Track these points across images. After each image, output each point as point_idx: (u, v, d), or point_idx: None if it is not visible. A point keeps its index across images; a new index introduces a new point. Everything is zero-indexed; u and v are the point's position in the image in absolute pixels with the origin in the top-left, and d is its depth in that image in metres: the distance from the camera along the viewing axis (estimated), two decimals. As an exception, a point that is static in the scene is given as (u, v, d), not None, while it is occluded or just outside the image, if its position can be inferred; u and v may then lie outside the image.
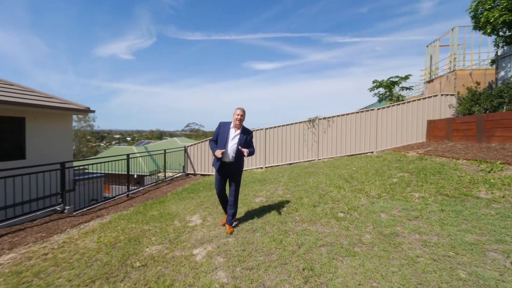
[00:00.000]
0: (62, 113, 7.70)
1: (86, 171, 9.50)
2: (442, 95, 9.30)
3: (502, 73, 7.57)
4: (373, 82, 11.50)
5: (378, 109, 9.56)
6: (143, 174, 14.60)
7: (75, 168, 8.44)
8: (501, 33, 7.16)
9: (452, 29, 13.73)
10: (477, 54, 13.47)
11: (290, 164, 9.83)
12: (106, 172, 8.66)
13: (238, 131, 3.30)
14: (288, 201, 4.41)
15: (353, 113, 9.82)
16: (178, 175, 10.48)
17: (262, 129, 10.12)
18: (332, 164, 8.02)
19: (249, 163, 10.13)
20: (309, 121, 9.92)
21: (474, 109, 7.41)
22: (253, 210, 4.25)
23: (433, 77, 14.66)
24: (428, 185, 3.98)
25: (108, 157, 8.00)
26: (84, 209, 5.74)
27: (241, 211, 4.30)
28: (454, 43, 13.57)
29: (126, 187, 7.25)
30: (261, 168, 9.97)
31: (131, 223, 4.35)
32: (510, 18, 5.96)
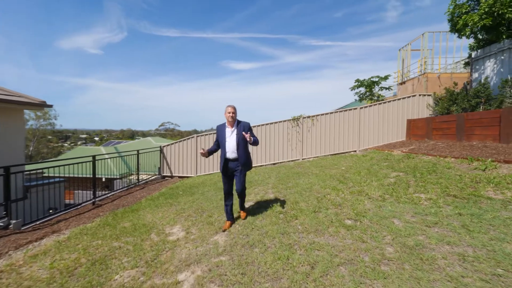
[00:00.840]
0: (11, 107, 6.45)
1: (45, 175, 8.18)
2: (420, 95, 9.52)
3: (476, 74, 7.89)
4: (355, 81, 11.56)
5: (361, 108, 9.53)
6: (113, 177, 13.24)
7: (28, 172, 7.17)
8: (479, 36, 7.41)
9: (423, 34, 14.37)
10: (444, 59, 14.32)
11: (274, 164, 9.41)
12: (69, 175, 7.51)
13: (234, 128, 3.35)
14: (282, 206, 3.94)
15: (336, 111, 9.68)
16: (153, 177, 9.52)
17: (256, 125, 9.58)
18: (318, 163, 7.74)
19: (231, 164, 9.53)
20: (293, 119, 9.59)
21: (452, 109, 7.59)
22: (243, 219, 3.71)
23: (405, 79, 15.27)
24: (430, 186, 3.76)
25: (70, 159, 6.89)
26: (37, 222, 4.74)
27: (231, 220, 3.73)
28: (424, 48, 14.23)
29: (92, 193, 6.26)
30: (244, 168, 9.41)
31: (96, 239, 3.56)
32: (490, 22, 6.11)
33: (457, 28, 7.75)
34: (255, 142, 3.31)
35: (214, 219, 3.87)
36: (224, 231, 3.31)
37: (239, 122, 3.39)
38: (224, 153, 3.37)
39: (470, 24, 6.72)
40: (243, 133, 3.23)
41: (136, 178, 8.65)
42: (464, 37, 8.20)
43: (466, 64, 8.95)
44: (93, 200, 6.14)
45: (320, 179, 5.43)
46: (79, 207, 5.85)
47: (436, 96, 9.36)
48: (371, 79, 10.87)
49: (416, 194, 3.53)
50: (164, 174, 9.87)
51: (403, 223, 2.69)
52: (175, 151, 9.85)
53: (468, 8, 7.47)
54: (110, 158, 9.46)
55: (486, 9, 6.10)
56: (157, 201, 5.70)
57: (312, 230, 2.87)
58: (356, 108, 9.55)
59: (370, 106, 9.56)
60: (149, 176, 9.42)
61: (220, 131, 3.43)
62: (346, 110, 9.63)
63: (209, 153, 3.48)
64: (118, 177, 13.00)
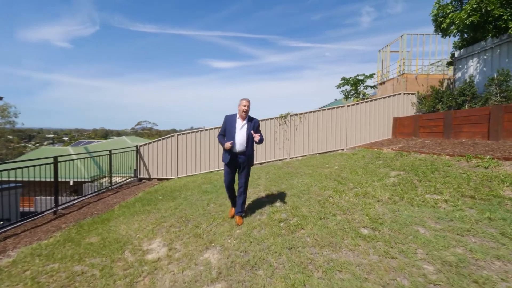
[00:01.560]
0: None
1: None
2: (404, 94, 9.55)
3: (459, 74, 8.01)
4: (341, 79, 11.43)
5: (348, 106, 9.35)
6: (82, 180, 11.93)
7: (-27, 177, 5.97)
8: (465, 35, 7.48)
9: (401, 36, 14.72)
10: (421, 61, 14.79)
11: (261, 163, 8.91)
12: (29, 180, 6.39)
13: (245, 121, 3.30)
14: (281, 212, 3.44)
15: (324, 109, 9.41)
16: (128, 180, 8.58)
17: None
18: (308, 163, 7.37)
19: (216, 164, 8.88)
20: (281, 117, 9.17)
21: (438, 107, 7.61)
22: (239, 229, 3.15)
23: (385, 79, 15.59)
24: (439, 186, 3.48)
25: (28, 160, 5.85)
26: (-23, 240, 3.78)
27: (223, 231, 3.15)
28: (403, 49, 14.59)
29: (53, 200, 5.30)
30: (230, 169, 8.81)
31: (52, 262, 2.80)
32: (478, 19, 6.11)
33: (442, 27, 7.78)
34: (261, 141, 3.28)
35: (202, 230, 3.27)
36: (232, 217, 3.49)
37: (250, 117, 3.35)
38: (232, 146, 3.26)
39: (457, 21, 6.71)
40: (252, 132, 3.23)
41: (109, 181, 7.69)
42: (446, 38, 8.31)
43: (449, 63, 9.10)
44: (55, 209, 5.20)
45: (315, 180, 5.02)
46: (36, 218, 4.89)
47: (420, 94, 9.45)
48: (357, 77, 10.80)
49: (429, 196, 3.21)
50: (141, 176, 8.95)
51: (430, 232, 2.31)
52: (153, 151, 8.97)
53: (452, 8, 7.52)
54: (79, 159, 8.36)
55: (474, 6, 6.08)
56: (132, 209, 4.94)
57: (325, 243, 2.40)
58: (343, 106, 9.35)
59: (357, 104, 9.41)
60: (124, 179, 8.46)
61: (229, 121, 3.32)
62: (334, 108, 9.40)
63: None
64: (88, 180, 11.73)
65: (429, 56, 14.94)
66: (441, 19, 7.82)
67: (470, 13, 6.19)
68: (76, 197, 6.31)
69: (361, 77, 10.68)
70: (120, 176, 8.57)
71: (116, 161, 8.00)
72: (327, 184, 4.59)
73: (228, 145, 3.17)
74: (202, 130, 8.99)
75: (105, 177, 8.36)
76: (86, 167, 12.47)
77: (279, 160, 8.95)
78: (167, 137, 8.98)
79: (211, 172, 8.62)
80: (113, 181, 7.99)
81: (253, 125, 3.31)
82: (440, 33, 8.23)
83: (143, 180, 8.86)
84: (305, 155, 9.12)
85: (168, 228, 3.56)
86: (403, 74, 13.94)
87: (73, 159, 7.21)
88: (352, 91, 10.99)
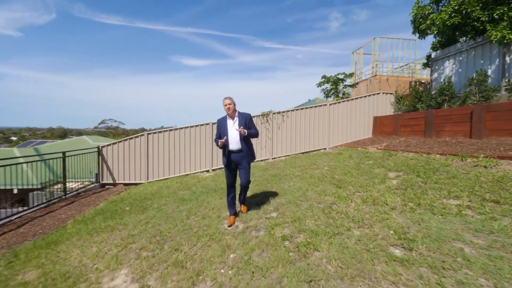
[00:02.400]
0: None
1: None
2: (384, 93, 9.61)
3: (436, 74, 8.20)
4: (322, 77, 11.22)
5: (331, 104, 9.11)
6: (31, 187, 10.10)
7: None
8: (441, 38, 7.62)
9: (374, 39, 15.17)
10: (392, 63, 15.38)
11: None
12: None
13: (235, 119, 3.28)
14: (282, 225, 2.83)
15: (307, 107, 9.06)
16: (89, 186, 7.31)
17: (208, 123, 8.15)
18: (294, 163, 6.90)
19: (192, 165, 8.01)
20: (263, 115, 8.59)
21: (418, 106, 7.68)
22: (231, 250, 2.47)
23: (358, 80, 15.94)
24: (451, 188, 3.17)
25: None
26: None
27: (212, 255, 2.44)
28: (375, 52, 15.02)
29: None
30: (208, 171, 8.01)
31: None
32: (459, 20, 6.16)
33: (420, 28, 7.86)
34: (251, 135, 3.28)
35: (184, 255, 2.51)
36: (230, 226, 3.14)
37: (240, 113, 3.32)
38: (227, 145, 3.24)
39: (437, 22, 6.74)
40: (236, 128, 3.18)
41: (62, 188, 6.41)
42: (421, 40, 8.46)
43: (425, 64, 9.34)
44: (-18, 230, 3.98)
45: (309, 183, 4.52)
46: (-48, 243, 3.65)
47: (398, 94, 9.59)
48: (337, 75, 10.69)
49: (445, 200, 2.86)
50: (104, 182, 7.70)
51: (477, 250, 1.89)
52: (119, 152, 7.78)
53: (431, 9, 7.63)
54: (26, 162, 6.88)
55: (456, 7, 6.11)
56: (91, 225, 3.95)
57: (354, 271, 1.84)
58: (326, 104, 9.09)
59: (339, 102, 9.23)
60: (82, 185, 7.18)
61: (221, 124, 3.35)
62: (316, 106, 9.09)
63: (224, 147, 3.30)
64: (38, 187, 9.96)
65: (399, 60, 15.66)
66: (420, 20, 7.89)
67: (452, 15, 6.23)
68: (17, 210, 5.03)
69: (341, 76, 10.59)
70: (79, 182, 7.26)
71: (74, 165, 6.71)
72: (324, 188, 4.11)
73: (221, 141, 3.13)
74: (177, 129, 8.04)
75: (58, 183, 7.00)
76: (36, 172, 10.62)
77: (262, 160, 8.37)
78: (136, 137, 7.86)
79: (187, 175, 7.73)
80: (69, 188, 6.70)
81: (244, 120, 3.27)
82: (417, 34, 8.35)
83: (107, 186, 7.64)
84: (288, 155, 8.69)
85: (138, 253, 2.75)
86: (375, 75, 14.32)
87: (18, 163, 5.82)
88: (333, 89, 10.85)
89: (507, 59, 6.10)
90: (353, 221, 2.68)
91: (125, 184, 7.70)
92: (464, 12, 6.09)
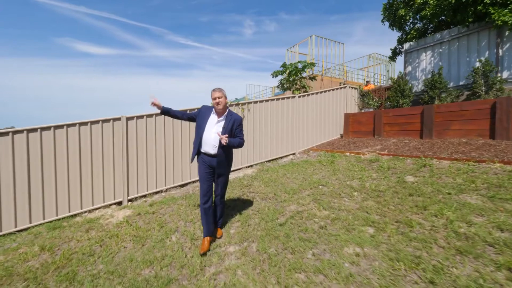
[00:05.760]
0: None
1: None
2: (350, 87, 8.14)
3: (410, 68, 7.20)
4: (281, 66, 8.90)
5: (300, 96, 6.88)
6: None
7: None
8: (441, 18, 6.49)
9: (310, 37, 14.29)
10: (326, 63, 14.84)
11: (182, 185, 4.92)
12: None
13: (223, 118, 2.46)
14: None
15: (273, 99, 6.50)
16: None
17: (120, 118, 4.36)
18: (270, 179, 4.21)
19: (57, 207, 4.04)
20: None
21: (401, 101, 6.36)
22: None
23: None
24: None
25: None
26: None
27: None
28: (312, 48, 14.15)
29: None
30: (120, 205, 4.25)
31: None
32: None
33: (398, 14, 6.57)
34: (233, 146, 2.44)
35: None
36: (203, 254, 2.28)
37: (230, 114, 2.51)
38: (199, 144, 2.47)
39: (431, 2, 5.42)
40: (218, 133, 2.35)
41: None
42: (392, 30, 7.35)
43: (391, 58, 8.40)
44: None
45: (341, 231, 1.89)
46: None
47: (362, 90, 8.33)
48: (297, 64, 8.65)
49: None
50: None
51: None
52: None
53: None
54: None
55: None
56: None
57: None
58: (294, 97, 6.79)
59: (308, 95, 7.10)
60: None
61: (203, 113, 2.52)
62: (284, 98, 6.65)
63: (165, 112, 2.54)
64: None
65: (331, 60, 15.35)
66: (401, 4, 6.59)
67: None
68: None
69: (300, 65, 8.61)
70: None
71: None
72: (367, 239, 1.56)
73: (154, 101, 2.42)
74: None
75: None
76: None
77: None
78: None
79: (59, 219, 3.78)
80: None
81: (232, 123, 2.45)
82: (389, 21, 7.14)
83: None
84: (251, 165, 5.90)
85: None
86: (312, 74, 13.31)
87: None
88: (294, 80, 8.74)
89: (500, 50, 5.30)
90: None
91: None
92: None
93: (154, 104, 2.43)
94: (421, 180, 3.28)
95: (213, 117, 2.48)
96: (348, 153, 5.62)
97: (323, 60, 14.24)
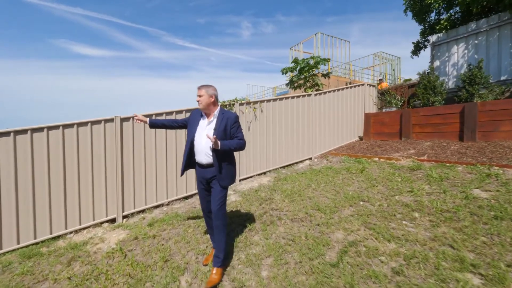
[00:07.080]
0: None
1: None
2: (368, 85, 7.41)
3: (438, 62, 6.46)
4: (292, 62, 8.17)
5: (315, 94, 6.14)
6: None
7: None
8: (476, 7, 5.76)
9: (315, 34, 13.59)
10: (331, 62, 14.08)
11: (186, 197, 4.17)
12: None
13: (213, 119, 2.03)
14: None
15: (287, 97, 5.76)
16: None
17: (113, 119, 3.62)
18: (294, 192, 3.44)
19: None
20: (224, 106, 4.75)
21: (432, 99, 5.61)
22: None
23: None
24: None
25: None
26: None
27: None
28: (317, 47, 13.43)
29: None
30: (111, 224, 3.49)
31: None
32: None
33: (426, 2, 5.85)
34: (229, 148, 1.94)
35: None
36: (206, 265, 2.07)
37: (222, 113, 2.05)
38: (190, 152, 2.08)
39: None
40: (207, 135, 1.86)
41: None
42: (418, 22, 6.62)
43: (413, 52, 7.66)
44: None
45: None
46: None
47: (381, 87, 7.60)
48: (309, 60, 7.93)
49: None
50: None
51: None
52: None
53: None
54: None
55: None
56: None
57: None
58: (310, 95, 6.05)
59: (325, 93, 6.37)
60: None
61: (193, 118, 2.16)
62: (299, 97, 5.91)
63: (153, 125, 2.26)
64: None
65: (336, 58, 14.61)
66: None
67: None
68: None
69: (311, 61, 7.88)
70: None
71: None
72: None
73: (138, 117, 2.19)
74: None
75: None
76: None
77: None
78: None
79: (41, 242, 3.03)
80: None
81: (225, 122, 2.00)
82: (412, 12, 6.41)
83: None
84: (264, 172, 5.16)
85: None
86: (318, 72, 12.57)
87: None
88: (301, 78, 8.01)
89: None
90: None
91: None
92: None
93: (139, 120, 2.23)
94: (497, 195, 2.53)
95: (203, 121, 2.09)
96: (376, 159, 4.87)
97: (329, 58, 13.55)
